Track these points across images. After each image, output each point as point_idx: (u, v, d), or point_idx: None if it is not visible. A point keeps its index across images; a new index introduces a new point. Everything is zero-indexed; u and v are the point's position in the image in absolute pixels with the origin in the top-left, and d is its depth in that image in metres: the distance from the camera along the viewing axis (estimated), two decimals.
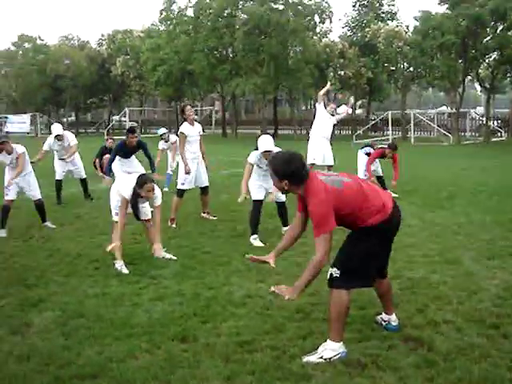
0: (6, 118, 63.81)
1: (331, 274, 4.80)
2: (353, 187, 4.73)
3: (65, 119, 68.93)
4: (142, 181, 7.47)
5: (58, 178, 13.06)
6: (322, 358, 4.65)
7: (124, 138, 11.53)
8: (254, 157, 8.99)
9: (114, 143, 18.67)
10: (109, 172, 11.43)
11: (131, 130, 11.52)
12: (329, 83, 16.26)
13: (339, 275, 4.75)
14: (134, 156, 11.79)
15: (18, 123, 61.56)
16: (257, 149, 8.89)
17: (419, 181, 15.63)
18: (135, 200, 7.52)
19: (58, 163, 13.04)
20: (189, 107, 10.49)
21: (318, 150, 13.46)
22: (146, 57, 50.08)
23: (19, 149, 9.93)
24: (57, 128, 12.95)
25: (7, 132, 61.42)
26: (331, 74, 47.67)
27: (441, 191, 13.75)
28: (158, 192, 7.72)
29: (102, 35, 67.29)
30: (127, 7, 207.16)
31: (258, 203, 9.02)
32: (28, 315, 5.85)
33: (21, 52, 66.98)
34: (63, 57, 62.01)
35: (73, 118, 72.05)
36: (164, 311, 5.87)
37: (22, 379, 4.43)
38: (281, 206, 9.26)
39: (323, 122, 13.47)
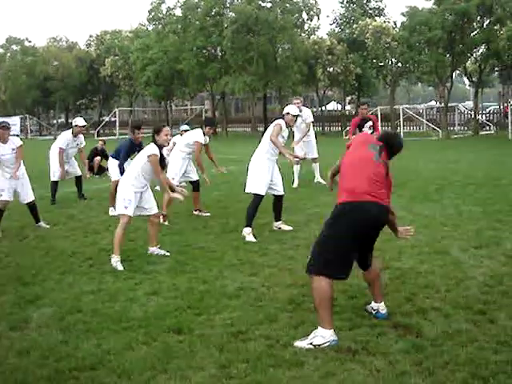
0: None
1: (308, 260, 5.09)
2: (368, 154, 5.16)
3: (55, 121, 68.82)
4: (157, 128, 7.80)
5: (56, 179, 12.92)
6: (311, 344, 4.81)
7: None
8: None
9: (104, 145, 18.78)
10: (122, 173, 10.95)
11: (138, 126, 11.18)
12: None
13: (310, 260, 5.06)
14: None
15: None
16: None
17: (408, 174, 15.75)
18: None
19: (56, 164, 12.84)
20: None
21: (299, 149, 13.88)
22: (134, 57, 50.07)
23: (17, 141, 9.90)
24: (81, 119, 13.07)
25: None
26: (320, 70, 47.88)
27: (429, 184, 13.90)
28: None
29: (91, 36, 67.09)
30: (115, 8, 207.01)
31: (260, 198, 9.05)
32: (26, 312, 5.97)
33: (9, 54, 66.76)
34: (52, 58, 61.93)
35: (62, 119, 71.87)
36: (159, 305, 6.01)
37: (23, 372, 4.55)
38: (279, 200, 9.38)
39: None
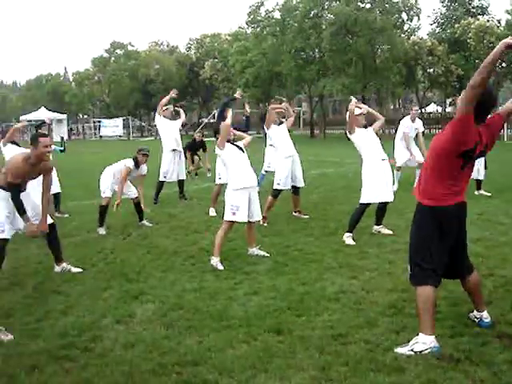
0: (100, 122, 66.21)
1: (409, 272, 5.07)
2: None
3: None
4: (216, 129, 8.06)
5: (164, 179, 13.32)
6: (412, 350, 4.74)
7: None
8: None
9: (202, 137, 18.89)
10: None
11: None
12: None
13: (411, 272, 5.02)
14: None
15: (111, 127, 63.72)
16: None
17: None
18: None
19: (168, 161, 13.28)
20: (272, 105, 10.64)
21: (403, 154, 13.72)
22: (233, 60, 50.83)
23: (144, 169, 10.52)
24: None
25: (100, 136, 63.80)
26: (420, 71, 47.04)
27: None
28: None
29: (191, 39, 68.74)
30: (215, 11, 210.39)
31: (366, 206, 8.97)
32: (130, 306, 6.19)
33: (113, 58, 69.38)
34: (153, 62, 63.80)
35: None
36: (259, 305, 6.07)
37: (129, 364, 4.73)
38: (383, 207, 9.23)
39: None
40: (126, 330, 5.56)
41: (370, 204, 8.99)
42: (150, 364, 4.73)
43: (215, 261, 7.59)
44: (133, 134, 64.87)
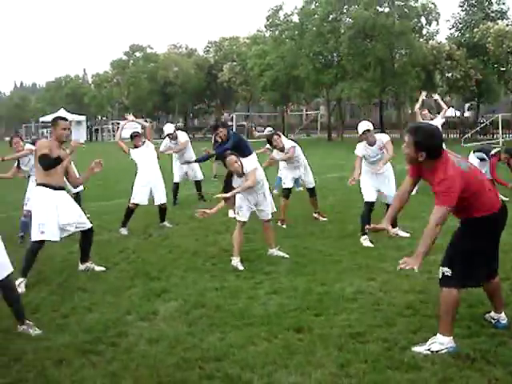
0: (119, 123, 66.55)
1: (443, 273, 4.99)
2: (476, 174, 4.97)
3: (174, 125, 71.08)
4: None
5: (176, 180, 13.64)
6: (429, 350, 4.84)
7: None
8: (359, 149, 9.28)
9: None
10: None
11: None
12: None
13: (450, 274, 4.95)
14: None
15: (130, 129, 63.93)
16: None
17: None
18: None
19: (177, 166, 13.62)
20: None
21: None
22: (252, 63, 51.01)
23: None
24: (168, 127, 13.72)
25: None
26: (438, 76, 46.89)
27: None
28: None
29: (209, 42, 69.06)
30: (234, 15, 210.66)
31: (369, 204, 9.20)
32: (154, 304, 6.37)
33: (132, 61, 69.83)
34: (172, 64, 64.14)
35: (180, 123, 74.23)
36: (279, 304, 6.21)
37: (153, 359, 4.89)
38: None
39: None
40: (149, 326, 5.73)
41: (371, 202, 9.23)
42: (174, 359, 4.89)
43: (236, 261, 7.75)
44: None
